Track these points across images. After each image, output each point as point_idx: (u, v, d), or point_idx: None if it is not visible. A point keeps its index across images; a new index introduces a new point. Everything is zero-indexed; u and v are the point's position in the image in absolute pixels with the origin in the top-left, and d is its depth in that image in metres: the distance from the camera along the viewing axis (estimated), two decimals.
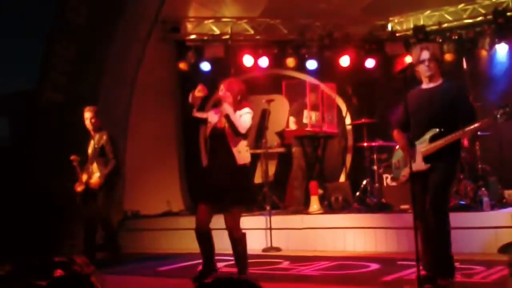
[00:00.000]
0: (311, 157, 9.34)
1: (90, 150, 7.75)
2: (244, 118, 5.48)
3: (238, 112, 5.49)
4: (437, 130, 4.89)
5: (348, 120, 10.66)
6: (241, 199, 5.47)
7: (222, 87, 5.61)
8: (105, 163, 7.65)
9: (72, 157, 7.66)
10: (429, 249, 4.91)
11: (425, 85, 5.11)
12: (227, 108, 5.49)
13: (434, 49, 5.10)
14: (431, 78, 5.05)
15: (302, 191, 9.15)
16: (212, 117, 5.64)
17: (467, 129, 4.82)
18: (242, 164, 5.46)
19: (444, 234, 4.84)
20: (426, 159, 4.92)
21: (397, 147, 5.38)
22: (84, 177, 7.66)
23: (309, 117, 9.12)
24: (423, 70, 5.04)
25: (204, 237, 5.57)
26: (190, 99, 5.59)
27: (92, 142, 7.74)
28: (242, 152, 5.47)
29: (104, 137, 7.69)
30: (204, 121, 5.73)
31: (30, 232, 8.27)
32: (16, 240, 8.01)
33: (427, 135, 4.93)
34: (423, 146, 4.95)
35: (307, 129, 9.13)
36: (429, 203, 4.83)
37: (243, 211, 5.73)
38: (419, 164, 4.94)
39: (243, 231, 5.59)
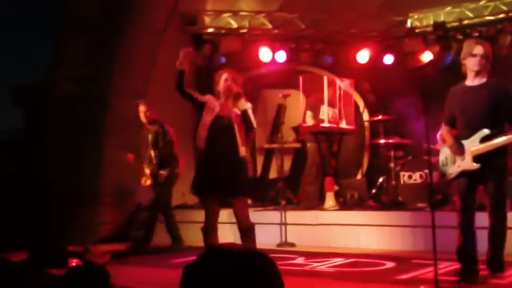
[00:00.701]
0: (327, 153, 9.27)
1: (146, 143, 8.01)
2: (251, 117, 5.57)
3: (245, 108, 5.53)
4: (488, 131, 4.89)
5: (365, 117, 10.57)
6: (246, 189, 5.58)
7: (227, 76, 5.56)
8: (160, 155, 7.94)
9: (130, 157, 8.02)
10: (468, 244, 4.97)
11: (470, 82, 5.07)
12: (244, 103, 5.50)
13: (488, 48, 5.09)
14: (477, 74, 5.00)
15: (316, 187, 9.09)
16: (214, 103, 5.57)
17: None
18: (242, 156, 5.49)
19: (505, 233, 4.98)
20: (476, 159, 4.94)
21: (443, 145, 5.32)
22: (147, 171, 7.97)
23: (326, 112, 9.05)
24: (472, 64, 5.00)
25: (211, 231, 5.56)
26: (178, 64, 5.56)
27: (148, 135, 7.99)
28: (242, 145, 5.51)
29: (160, 129, 7.98)
30: (195, 101, 5.76)
31: (44, 222, 8.29)
32: (31, 230, 8.03)
33: (478, 135, 4.93)
34: (473, 146, 4.95)
35: (324, 125, 9.06)
36: (494, 219, 4.94)
37: (248, 201, 5.80)
38: (468, 164, 4.97)
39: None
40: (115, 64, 9.34)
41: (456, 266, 5.15)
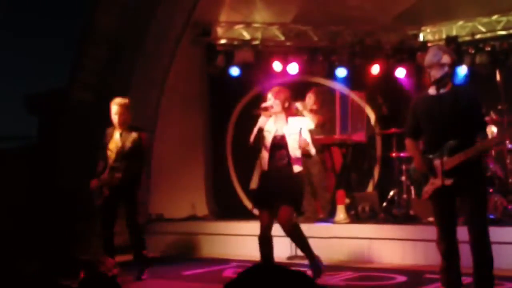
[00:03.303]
0: (338, 165, 9.24)
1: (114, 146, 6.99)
2: (307, 137, 5.83)
3: (299, 126, 5.80)
4: (455, 142, 4.64)
5: (377, 130, 10.56)
6: (294, 200, 5.78)
7: (269, 96, 5.82)
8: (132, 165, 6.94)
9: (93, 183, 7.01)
10: (453, 266, 4.78)
11: (435, 91, 4.75)
12: (305, 140, 5.76)
13: (454, 54, 4.91)
14: (442, 83, 4.72)
15: (327, 200, 9.05)
16: (269, 125, 5.83)
17: (488, 141, 4.69)
18: (297, 172, 5.80)
19: (491, 257, 4.70)
20: (448, 173, 4.65)
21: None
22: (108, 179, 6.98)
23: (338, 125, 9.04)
24: (438, 73, 4.71)
25: (266, 242, 5.80)
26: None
27: (121, 141, 6.96)
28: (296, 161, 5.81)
29: (137, 139, 6.94)
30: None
31: (57, 231, 8.31)
32: (43, 239, 8.05)
33: (446, 148, 4.67)
34: (442, 159, 4.65)
35: (335, 137, 9.04)
36: (475, 232, 4.66)
37: (292, 211, 5.89)
38: (441, 180, 4.66)
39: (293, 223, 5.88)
40: (131, 73, 9.40)
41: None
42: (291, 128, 5.79)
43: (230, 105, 10.78)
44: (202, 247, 9.02)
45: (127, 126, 6.93)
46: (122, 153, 6.85)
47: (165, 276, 7.07)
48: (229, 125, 10.75)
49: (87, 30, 9.42)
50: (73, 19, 9.27)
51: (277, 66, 10.41)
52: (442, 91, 4.74)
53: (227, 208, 10.45)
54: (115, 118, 6.92)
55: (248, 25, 10.80)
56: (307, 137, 5.84)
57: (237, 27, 10.80)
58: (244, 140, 10.51)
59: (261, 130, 5.78)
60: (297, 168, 5.78)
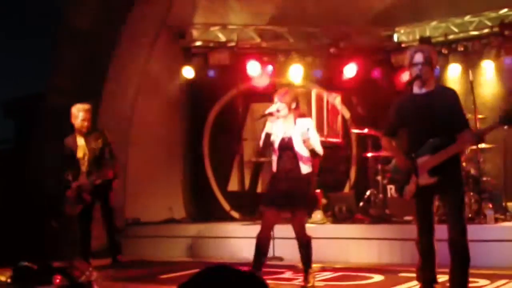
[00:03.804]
0: (315, 166, 9.28)
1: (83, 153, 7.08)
2: (315, 136, 5.82)
3: (306, 127, 5.75)
4: (438, 140, 4.65)
5: (352, 130, 10.62)
6: (306, 204, 5.83)
7: (276, 99, 5.78)
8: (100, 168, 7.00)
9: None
10: (429, 264, 4.82)
11: (418, 91, 4.78)
12: (307, 138, 5.71)
13: (429, 53, 4.81)
14: (424, 83, 4.75)
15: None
16: (277, 128, 5.80)
17: (464, 138, 4.71)
18: (306, 173, 5.77)
19: (469, 255, 4.74)
20: (431, 171, 4.69)
21: (394, 160, 5.20)
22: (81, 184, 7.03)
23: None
24: (414, 73, 4.73)
25: (266, 242, 5.84)
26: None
27: (88, 145, 7.08)
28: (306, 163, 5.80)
29: (106, 141, 7.10)
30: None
31: (30, 236, 8.23)
32: (16, 245, 7.97)
33: (428, 146, 4.68)
34: (425, 158, 4.68)
35: None
36: (456, 231, 4.66)
37: (306, 216, 6.04)
38: (424, 178, 4.69)
39: (308, 235, 5.90)
40: (106, 76, 9.33)
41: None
42: (299, 129, 5.76)
43: (206, 107, 10.77)
44: (179, 250, 8.99)
45: (88, 130, 7.07)
46: (94, 156, 6.91)
47: (142, 279, 7.04)
48: (205, 127, 10.74)
49: (60, 32, 9.35)
50: (47, 23, 9.18)
51: (253, 68, 10.42)
52: (426, 90, 4.77)
53: (205, 211, 10.45)
54: (83, 123, 7.00)
55: (223, 27, 10.80)
56: (315, 136, 5.84)
57: (213, 28, 10.80)
58: (221, 142, 10.61)
59: (268, 136, 5.79)
60: (305, 169, 5.76)
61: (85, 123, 7.03)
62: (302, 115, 5.92)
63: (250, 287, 1.50)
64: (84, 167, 6.97)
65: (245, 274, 1.53)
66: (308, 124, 5.79)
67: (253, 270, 5.68)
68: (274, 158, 5.83)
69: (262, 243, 5.80)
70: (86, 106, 7.09)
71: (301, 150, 5.72)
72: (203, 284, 1.50)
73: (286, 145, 5.73)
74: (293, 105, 5.78)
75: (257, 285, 1.51)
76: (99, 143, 7.00)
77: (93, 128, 7.20)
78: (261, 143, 5.86)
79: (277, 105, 5.73)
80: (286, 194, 5.70)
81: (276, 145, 5.77)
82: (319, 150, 5.82)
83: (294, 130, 5.74)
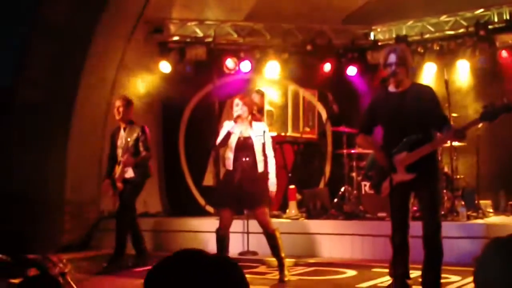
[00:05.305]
0: (290, 162, 9.34)
1: (119, 144, 7.43)
2: (269, 139, 6.24)
3: (262, 129, 6.21)
4: (415, 137, 4.70)
5: (328, 127, 10.68)
6: (265, 199, 6.15)
7: (238, 102, 6.15)
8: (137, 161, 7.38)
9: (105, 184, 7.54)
10: (403, 260, 4.86)
11: (393, 89, 4.86)
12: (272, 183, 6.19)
13: (402, 52, 4.87)
14: (399, 83, 4.82)
15: (279, 196, 9.13)
16: (234, 128, 6.11)
17: (446, 133, 4.77)
18: (261, 171, 6.14)
19: (442, 252, 4.82)
20: (408, 168, 4.75)
21: (370, 156, 5.26)
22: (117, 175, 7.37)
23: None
24: (388, 73, 4.80)
25: (224, 238, 6.13)
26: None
27: (124, 137, 7.38)
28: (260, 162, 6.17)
29: (141, 134, 7.36)
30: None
31: (4, 230, 8.15)
32: None
33: (406, 143, 4.72)
34: (403, 154, 4.73)
35: (287, 134, 9.13)
36: (430, 228, 4.74)
37: (267, 210, 6.25)
38: (401, 175, 4.74)
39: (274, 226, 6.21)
40: (81, 70, 9.25)
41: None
42: (256, 131, 6.15)
43: (182, 102, 10.74)
44: (154, 244, 8.96)
45: (128, 121, 7.41)
46: (127, 147, 7.26)
47: (115, 272, 7.02)
48: (181, 122, 10.71)
49: (33, 24, 9.24)
50: (18, 13, 9.03)
51: (229, 63, 10.41)
52: (401, 89, 4.83)
53: (180, 205, 10.42)
54: (117, 116, 7.40)
55: (200, 22, 10.77)
56: (269, 140, 6.25)
57: (190, 24, 10.76)
58: (197, 138, 10.59)
59: (229, 134, 6.08)
60: (261, 168, 6.12)
61: (117, 116, 7.39)
62: (257, 119, 6.37)
63: (224, 269, 1.50)
64: (119, 157, 7.35)
65: (219, 257, 1.54)
66: (264, 127, 6.26)
67: None
68: (230, 155, 6.13)
69: (222, 238, 6.12)
70: (119, 99, 7.50)
71: (258, 151, 6.10)
72: (175, 266, 1.51)
73: (243, 145, 6.09)
74: (254, 110, 6.29)
75: (231, 267, 1.52)
76: (134, 136, 7.30)
77: (134, 122, 7.51)
78: (219, 140, 6.16)
79: (240, 108, 6.11)
80: (242, 194, 6.02)
81: (234, 144, 6.10)
82: (272, 153, 6.24)
83: (252, 132, 6.13)
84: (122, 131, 7.42)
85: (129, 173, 7.35)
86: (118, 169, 7.33)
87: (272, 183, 6.18)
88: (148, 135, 7.44)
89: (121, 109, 7.36)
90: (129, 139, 7.28)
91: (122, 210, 7.46)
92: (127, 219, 7.43)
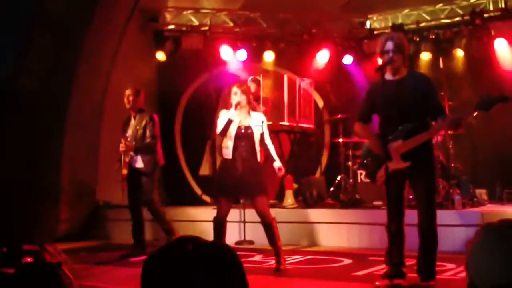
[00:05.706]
0: (287, 151, 9.34)
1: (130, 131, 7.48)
2: (266, 129, 6.23)
3: (261, 119, 6.17)
4: (411, 125, 4.72)
5: (324, 116, 10.68)
6: (265, 188, 6.15)
7: (236, 90, 6.11)
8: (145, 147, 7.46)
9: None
10: (398, 248, 4.90)
11: (390, 77, 4.85)
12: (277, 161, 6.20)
13: (400, 40, 4.85)
14: (395, 70, 4.83)
15: (275, 186, 9.15)
16: (234, 116, 6.06)
17: (442, 122, 4.78)
18: (259, 161, 6.18)
19: (437, 240, 4.88)
20: (403, 156, 4.77)
21: (365, 144, 5.29)
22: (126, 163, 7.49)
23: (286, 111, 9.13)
24: (385, 61, 4.80)
25: (221, 226, 6.13)
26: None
27: (133, 124, 7.48)
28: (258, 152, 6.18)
29: (149, 120, 7.44)
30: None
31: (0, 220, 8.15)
32: None
33: (401, 131, 4.74)
34: (398, 142, 4.75)
35: (284, 123, 9.13)
36: (425, 216, 4.79)
37: (266, 199, 6.28)
38: (396, 163, 4.75)
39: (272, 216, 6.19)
40: (77, 59, 9.21)
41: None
42: (254, 120, 6.11)
43: (178, 91, 10.72)
44: (150, 234, 8.97)
45: (138, 110, 7.46)
46: (136, 135, 7.35)
47: (112, 262, 7.04)
48: (177, 112, 10.70)
49: (32, 14, 9.19)
50: (16, 3, 8.98)
51: (225, 52, 10.40)
52: (398, 77, 4.84)
53: (177, 195, 10.43)
54: (127, 104, 7.43)
55: (196, 11, 10.74)
56: (267, 130, 6.24)
57: (186, 12, 10.73)
58: (193, 127, 10.58)
59: (230, 122, 6.04)
60: (259, 158, 6.14)
61: (127, 105, 7.43)
62: (254, 108, 6.29)
63: (220, 256, 1.52)
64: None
65: (215, 244, 1.55)
66: (262, 117, 6.22)
67: None
68: (230, 144, 6.08)
69: (219, 227, 6.12)
70: (128, 89, 7.50)
71: (257, 140, 6.09)
72: (172, 254, 1.52)
73: (242, 134, 6.05)
74: (251, 99, 6.25)
75: (227, 253, 1.53)
76: (143, 123, 7.39)
77: (145, 110, 7.57)
78: (220, 128, 6.12)
79: (239, 96, 6.07)
80: (242, 183, 6.00)
81: (233, 133, 6.06)
82: (270, 140, 6.26)
83: (251, 121, 6.10)
84: (132, 120, 7.51)
85: (139, 163, 7.42)
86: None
87: (279, 165, 6.16)
88: (156, 123, 7.49)
89: (131, 98, 7.42)
90: (138, 127, 7.38)
91: (147, 204, 7.46)
92: (156, 207, 7.56)
